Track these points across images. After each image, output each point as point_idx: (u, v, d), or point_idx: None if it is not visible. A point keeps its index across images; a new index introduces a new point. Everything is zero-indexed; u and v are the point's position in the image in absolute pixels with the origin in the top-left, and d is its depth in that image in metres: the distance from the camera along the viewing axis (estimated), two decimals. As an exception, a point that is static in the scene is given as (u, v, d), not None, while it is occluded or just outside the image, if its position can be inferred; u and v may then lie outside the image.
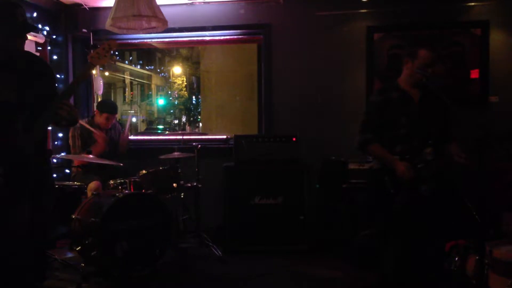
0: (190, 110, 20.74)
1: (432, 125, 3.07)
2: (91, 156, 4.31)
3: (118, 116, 7.59)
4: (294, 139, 4.63)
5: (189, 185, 4.54)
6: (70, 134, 4.71)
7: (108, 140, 4.62)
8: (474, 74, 4.79)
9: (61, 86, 5.21)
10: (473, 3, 4.80)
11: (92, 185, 4.29)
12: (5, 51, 2.60)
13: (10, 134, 2.53)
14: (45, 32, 4.94)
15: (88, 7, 5.26)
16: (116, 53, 16.83)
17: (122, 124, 5.26)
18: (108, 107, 4.80)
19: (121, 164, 4.49)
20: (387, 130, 3.07)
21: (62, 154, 4.69)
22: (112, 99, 18.73)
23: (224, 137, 5.37)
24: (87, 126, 4.60)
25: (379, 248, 3.29)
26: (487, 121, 4.41)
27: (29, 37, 4.63)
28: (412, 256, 3.07)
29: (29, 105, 2.61)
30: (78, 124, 4.75)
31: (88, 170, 4.53)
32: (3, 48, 2.59)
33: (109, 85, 17.34)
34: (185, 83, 20.52)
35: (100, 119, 4.70)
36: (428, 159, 2.96)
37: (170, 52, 18.93)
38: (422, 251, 3.10)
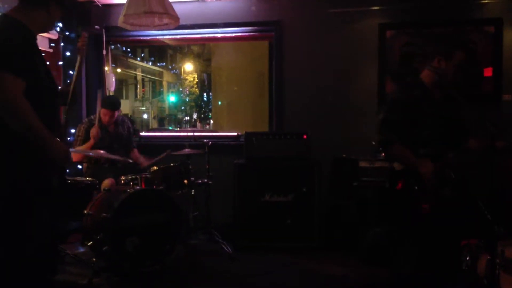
0: (201, 107, 20.77)
1: (453, 127, 2.98)
2: (101, 151, 4.34)
3: (129, 112, 7.63)
4: (305, 136, 4.63)
5: (200, 181, 4.56)
6: (78, 128, 4.77)
7: (97, 137, 4.54)
8: (487, 72, 4.75)
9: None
10: (486, 1, 4.75)
11: (107, 182, 4.32)
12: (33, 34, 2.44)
13: (58, 123, 2.51)
14: (58, 29, 4.98)
15: (100, 4, 5.30)
16: (128, 49, 16.89)
17: (132, 120, 5.25)
18: (108, 104, 4.71)
19: (130, 161, 4.52)
20: (409, 131, 2.91)
21: (73, 150, 4.71)
22: (124, 96, 18.82)
23: (235, 134, 5.39)
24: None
25: (393, 247, 3.24)
26: (500, 120, 4.37)
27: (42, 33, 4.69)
28: (433, 257, 3.00)
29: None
30: (86, 119, 4.82)
31: (99, 166, 4.56)
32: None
33: (120, 82, 17.40)
34: (196, 80, 20.54)
35: (101, 114, 4.72)
36: (451, 162, 2.88)
37: (181, 49, 18.95)
38: (443, 253, 3.04)
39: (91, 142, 4.56)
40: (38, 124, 2.16)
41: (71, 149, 4.66)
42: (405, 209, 2.95)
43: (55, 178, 2.39)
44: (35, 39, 2.41)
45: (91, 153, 4.43)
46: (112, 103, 4.73)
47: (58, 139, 2.35)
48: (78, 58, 2.79)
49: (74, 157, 4.74)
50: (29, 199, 2.25)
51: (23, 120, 2.14)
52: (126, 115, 10.75)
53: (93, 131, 4.55)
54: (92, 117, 4.84)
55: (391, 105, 3.00)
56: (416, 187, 2.84)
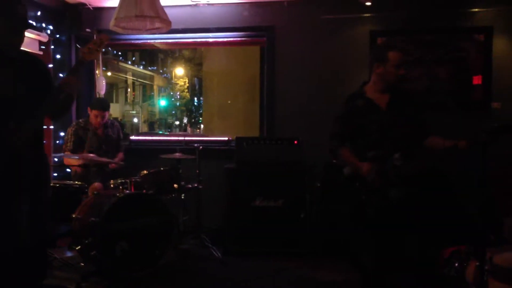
0: (191, 112, 20.74)
1: (403, 128, 3.06)
2: (91, 155, 4.32)
3: (119, 116, 7.60)
4: (295, 142, 4.63)
5: (190, 186, 4.55)
6: (67, 131, 4.75)
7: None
8: (477, 80, 4.79)
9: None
10: (476, 9, 4.79)
11: (93, 186, 4.29)
12: (1, 46, 2.60)
13: (3, 132, 2.52)
14: (48, 31, 4.95)
15: (92, 7, 5.27)
16: (120, 53, 16.85)
17: (122, 124, 5.24)
18: (96, 103, 4.77)
19: (122, 163, 4.50)
20: (358, 137, 3.09)
21: (62, 154, 4.70)
22: (114, 100, 18.74)
23: (226, 138, 5.38)
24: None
25: (357, 252, 3.32)
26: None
27: (32, 36, 4.66)
28: (390, 258, 3.07)
29: (22, 100, 2.60)
30: (74, 123, 4.81)
31: (88, 170, 4.53)
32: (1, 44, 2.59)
33: (111, 85, 17.31)
34: (187, 85, 20.51)
35: (91, 116, 4.72)
36: (397, 164, 2.95)
37: (172, 53, 18.91)
38: (402, 253, 3.11)
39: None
40: None
41: (61, 154, 4.65)
42: (354, 212, 3.10)
43: None
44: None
45: (76, 156, 4.41)
46: (102, 104, 4.78)
47: None
48: None
49: (66, 161, 4.73)
50: None
51: None
52: (116, 118, 10.71)
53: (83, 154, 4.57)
54: (80, 120, 4.85)
55: (334, 119, 3.24)
56: (362, 190, 2.99)
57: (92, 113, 4.69)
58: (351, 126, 3.11)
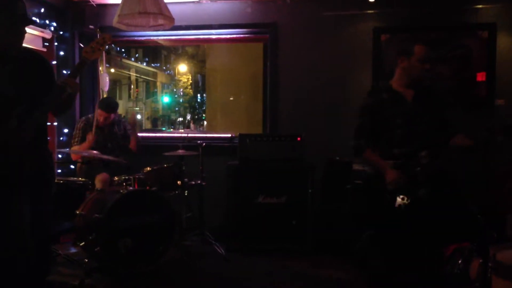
0: (195, 108, 20.74)
1: (428, 124, 2.99)
2: (95, 152, 4.33)
3: (123, 113, 7.61)
4: (298, 138, 4.63)
5: (193, 183, 4.56)
6: (76, 127, 4.76)
7: (92, 142, 4.56)
8: (481, 76, 4.77)
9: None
10: (480, 6, 4.78)
11: (100, 176, 4.30)
12: (1, 45, 2.58)
13: (3, 130, 2.51)
14: (52, 28, 4.96)
15: (95, 4, 5.27)
16: (123, 50, 16.85)
17: (126, 120, 5.24)
18: (104, 105, 4.72)
19: (125, 162, 4.51)
20: (382, 132, 3.02)
21: (67, 149, 4.71)
22: (118, 96, 18.74)
23: (229, 135, 5.38)
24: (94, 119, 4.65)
25: (370, 250, 3.29)
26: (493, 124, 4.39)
27: (36, 32, 4.67)
28: (406, 258, 3.02)
29: (25, 99, 2.59)
30: (83, 117, 4.82)
31: (92, 166, 4.55)
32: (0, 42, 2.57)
33: (114, 82, 17.31)
34: (191, 81, 20.50)
35: (97, 115, 4.72)
36: (424, 162, 2.89)
37: (176, 50, 18.93)
38: (419, 254, 3.06)
39: (85, 145, 4.55)
40: None
41: (66, 149, 4.67)
42: (379, 210, 3.03)
43: None
44: None
45: (85, 153, 4.41)
46: (108, 105, 4.74)
47: None
48: None
49: (73, 156, 4.74)
50: None
51: None
52: (119, 115, 10.72)
53: (89, 136, 4.56)
54: (89, 116, 4.85)
55: (359, 111, 3.13)
56: (386, 190, 2.91)
57: (98, 112, 4.70)
58: (378, 120, 3.02)
